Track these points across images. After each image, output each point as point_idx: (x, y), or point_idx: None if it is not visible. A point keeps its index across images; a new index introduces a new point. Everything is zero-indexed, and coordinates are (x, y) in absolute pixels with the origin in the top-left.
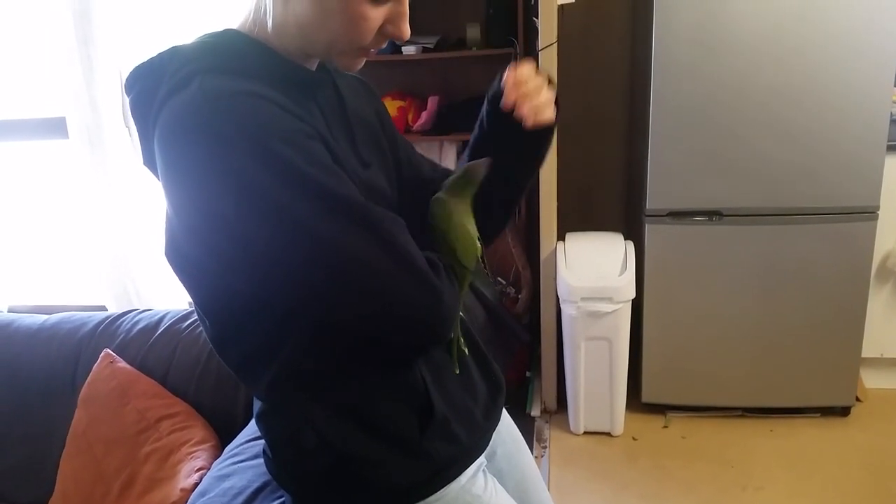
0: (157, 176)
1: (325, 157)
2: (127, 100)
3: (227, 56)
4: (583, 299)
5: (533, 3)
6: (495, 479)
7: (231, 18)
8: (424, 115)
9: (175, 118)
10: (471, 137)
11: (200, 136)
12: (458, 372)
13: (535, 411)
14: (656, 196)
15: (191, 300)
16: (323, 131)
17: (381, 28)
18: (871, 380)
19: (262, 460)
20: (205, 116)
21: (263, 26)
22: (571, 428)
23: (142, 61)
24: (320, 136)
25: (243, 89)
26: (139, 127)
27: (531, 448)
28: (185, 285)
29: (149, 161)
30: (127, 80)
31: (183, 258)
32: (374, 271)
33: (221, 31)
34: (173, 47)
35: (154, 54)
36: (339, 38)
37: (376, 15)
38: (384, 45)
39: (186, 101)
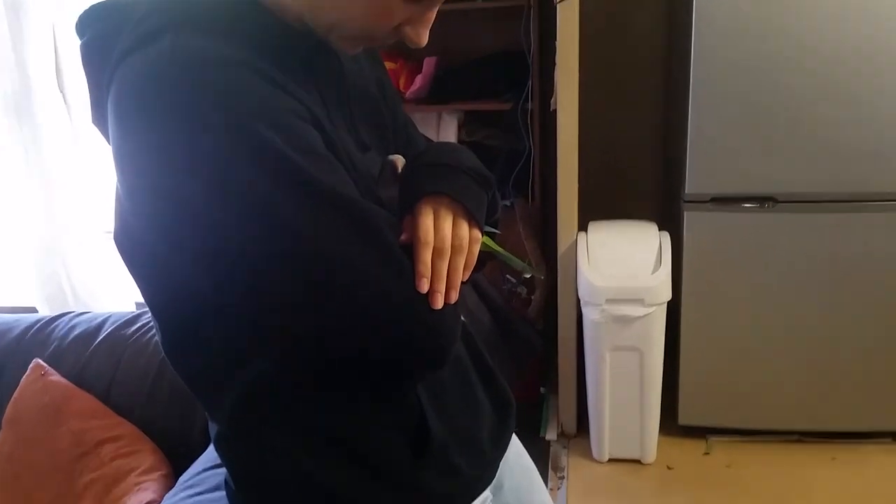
0: (107, 140)
1: (315, 141)
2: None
3: (210, 9)
4: (608, 301)
5: None
6: None
7: None
8: (419, 79)
9: (138, 80)
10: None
11: (168, 108)
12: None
13: (551, 435)
14: (697, 178)
15: (140, 298)
16: (318, 111)
17: (398, 26)
18: None
19: (223, 493)
20: (175, 85)
21: None
22: (594, 454)
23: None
24: (314, 118)
25: (227, 57)
26: (90, 78)
27: (545, 479)
28: (134, 277)
29: (99, 120)
30: (79, 19)
31: (135, 244)
32: (358, 275)
33: None
34: None
35: None
36: (351, 22)
37: (402, 12)
38: (391, 42)
39: (153, 61)
